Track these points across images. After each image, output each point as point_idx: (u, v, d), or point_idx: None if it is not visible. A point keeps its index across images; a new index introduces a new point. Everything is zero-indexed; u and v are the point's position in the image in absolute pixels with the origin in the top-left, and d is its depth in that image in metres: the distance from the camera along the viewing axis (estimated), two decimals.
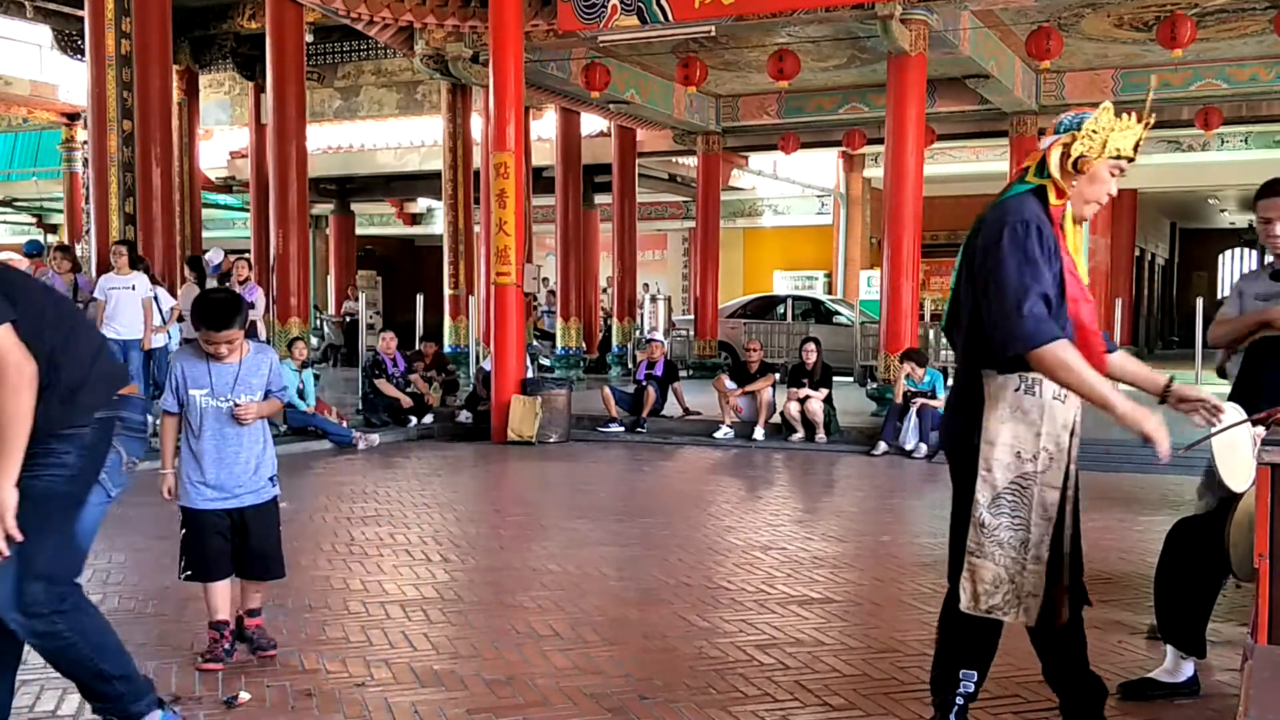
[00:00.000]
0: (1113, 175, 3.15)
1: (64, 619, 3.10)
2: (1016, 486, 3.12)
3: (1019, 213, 3.08)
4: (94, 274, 11.59)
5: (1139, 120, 3.13)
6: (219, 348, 4.20)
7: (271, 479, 4.39)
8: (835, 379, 12.02)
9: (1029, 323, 2.96)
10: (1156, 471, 7.77)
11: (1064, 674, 3.38)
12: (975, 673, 3.34)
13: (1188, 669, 3.99)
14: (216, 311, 4.16)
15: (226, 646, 4.31)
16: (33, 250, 13.89)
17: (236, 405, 4.24)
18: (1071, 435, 3.19)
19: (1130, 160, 3.17)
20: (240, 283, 12.25)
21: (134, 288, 10.77)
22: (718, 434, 11.87)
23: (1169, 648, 3.99)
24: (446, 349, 15.92)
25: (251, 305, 12.15)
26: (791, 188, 25.23)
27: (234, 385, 4.25)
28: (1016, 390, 3.13)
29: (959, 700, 3.35)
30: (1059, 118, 3.23)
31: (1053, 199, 3.14)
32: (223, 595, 4.36)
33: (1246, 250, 31.60)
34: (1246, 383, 3.94)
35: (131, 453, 3.28)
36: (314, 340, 19.40)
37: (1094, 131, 3.10)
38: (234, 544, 4.33)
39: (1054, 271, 3.04)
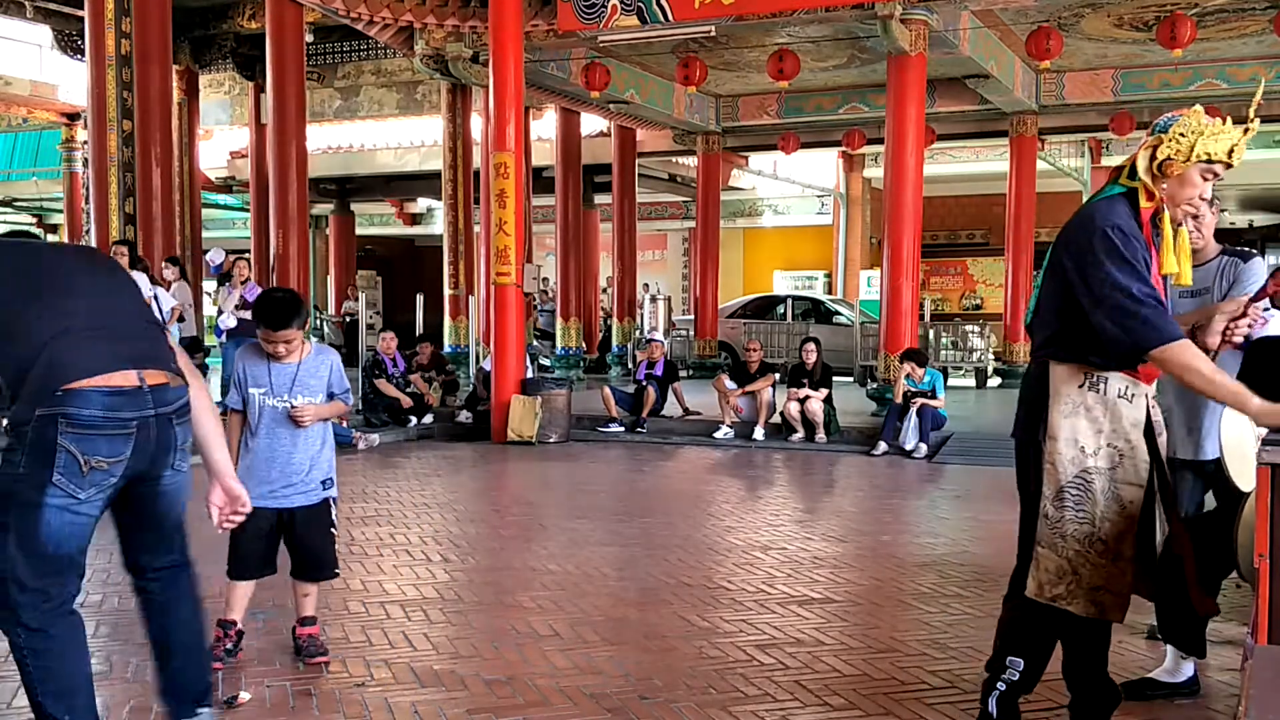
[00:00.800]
0: (1205, 179, 3.13)
1: (28, 638, 3.00)
2: (1080, 481, 3.13)
3: (1107, 217, 3.09)
4: None
5: (1237, 123, 3.10)
6: (277, 347, 4.20)
7: (325, 482, 4.35)
8: (835, 379, 12.03)
9: (1150, 323, 2.98)
10: None
11: (1083, 674, 3.39)
12: (1023, 661, 3.34)
13: (1188, 669, 4.00)
14: (275, 311, 4.17)
15: (229, 646, 4.30)
16: None
17: (293, 407, 4.23)
18: (1149, 433, 3.19)
19: (1227, 165, 3.14)
20: (241, 282, 12.24)
21: None
22: (718, 434, 11.87)
23: (1169, 648, 4.01)
24: (446, 349, 15.92)
25: (251, 305, 12.19)
26: (791, 188, 25.23)
27: (291, 386, 4.25)
28: (1081, 386, 3.14)
29: (1000, 686, 3.36)
30: (1158, 118, 3.20)
31: (1143, 202, 3.14)
32: (241, 596, 4.36)
33: (1237, 247, 31.56)
34: (1251, 384, 3.91)
35: (90, 452, 2.95)
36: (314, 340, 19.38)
37: (1181, 135, 3.09)
38: (285, 543, 4.33)
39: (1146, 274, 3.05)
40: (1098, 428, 3.13)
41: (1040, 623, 3.29)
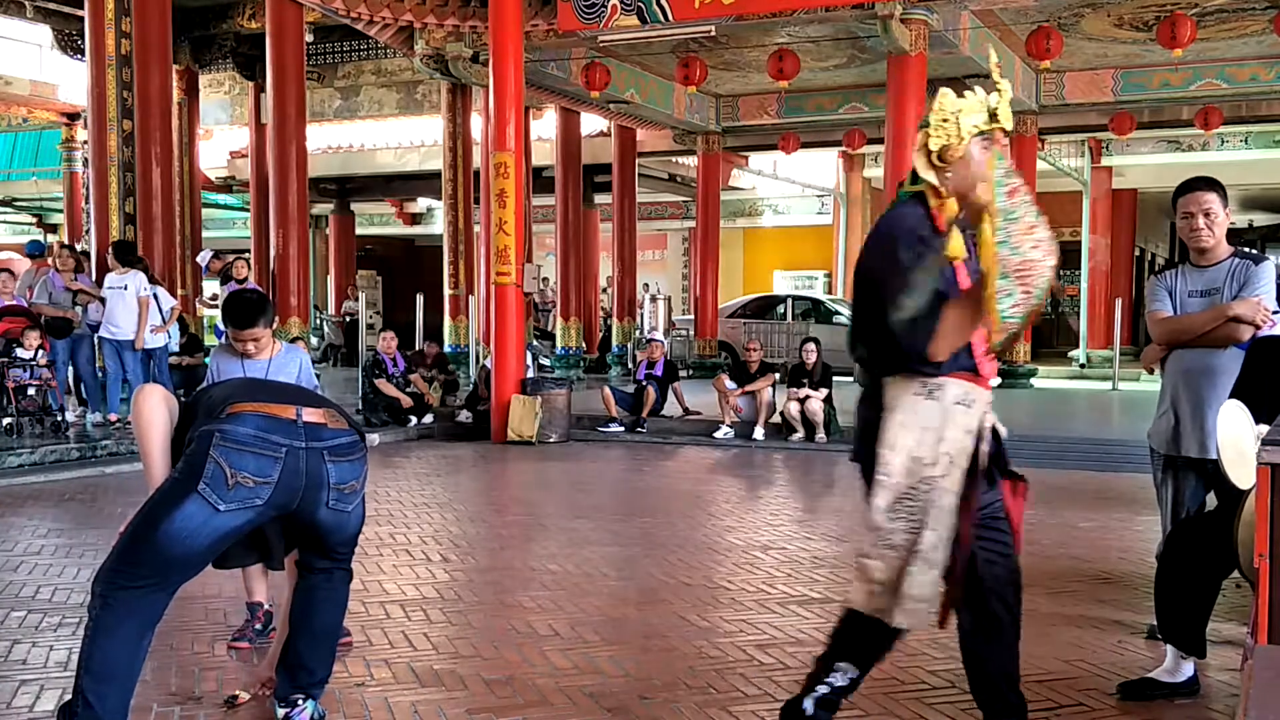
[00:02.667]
0: (986, 150, 3.05)
1: (99, 603, 3.21)
2: (915, 491, 3.07)
3: (889, 224, 3.09)
4: (94, 274, 11.59)
5: (991, 90, 3.07)
6: (246, 345, 4.33)
7: None
8: (835, 379, 12.02)
9: (909, 334, 2.95)
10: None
11: (986, 689, 3.30)
12: (856, 670, 3.29)
13: (1188, 669, 3.99)
14: (242, 310, 4.33)
15: (258, 627, 4.51)
16: (35, 250, 13.88)
17: None
18: (979, 440, 3.13)
19: (1004, 131, 3.07)
20: (239, 282, 12.25)
21: (126, 287, 10.74)
22: (718, 434, 11.87)
23: (1169, 647, 3.99)
24: (446, 349, 15.92)
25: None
26: (791, 188, 25.23)
27: None
28: (917, 396, 3.08)
29: (824, 689, 3.29)
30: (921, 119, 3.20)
31: (932, 202, 3.10)
32: (252, 577, 4.53)
33: (1247, 250, 31.58)
34: (1253, 383, 3.91)
35: (239, 467, 3.20)
36: (314, 340, 19.42)
37: (944, 120, 3.05)
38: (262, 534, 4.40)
39: (939, 275, 2.99)
40: (937, 436, 3.07)
41: (875, 633, 3.23)
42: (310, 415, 3.35)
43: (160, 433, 3.41)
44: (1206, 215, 4.12)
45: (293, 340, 12.00)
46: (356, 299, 19.07)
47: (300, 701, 3.54)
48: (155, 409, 3.43)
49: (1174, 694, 3.97)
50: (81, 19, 12.50)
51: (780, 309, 20.18)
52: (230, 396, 3.37)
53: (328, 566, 3.58)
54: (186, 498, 3.17)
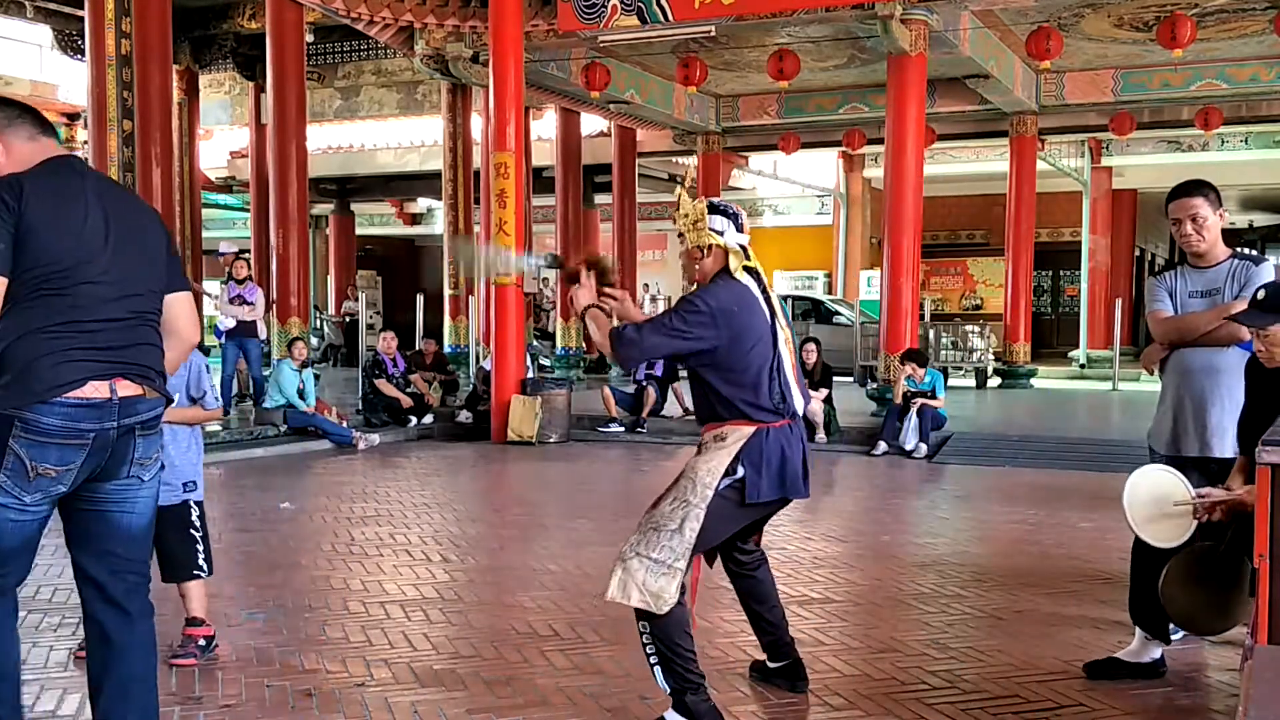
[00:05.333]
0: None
1: None
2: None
3: None
4: None
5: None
6: None
7: (187, 484, 4.37)
8: (835, 379, 12.02)
9: None
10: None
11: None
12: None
13: (1154, 652, 4.12)
14: None
15: (201, 643, 4.36)
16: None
17: None
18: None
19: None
20: (239, 281, 12.26)
21: None
22: None
23: (1137, 630, 4.14)
24: (446, 349, 15.92)
25: (251, 305, 12.20)
26: (791, 188, 25.22)
27: None
28: None
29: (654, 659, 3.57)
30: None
31: None
32: (187, 594, 4.42)
33: (1246, 251, 31.62)
34: (1259, 398, 3.86)
35: (39, 459, 2.84)
36: (314, 340, 19.41)
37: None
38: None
39: None
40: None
41: None
42: (126, 389, 2.95)
43: None
44: (1194, 221, 4.15)
45: (292, 341, 12.02)
46: (356, 299, 19.08)
47: None
48: None
49: (1137, 675, 4.09)
50: (81, 19, 12.51)
51: None
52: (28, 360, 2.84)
53: (118, 597, 3.11)
54: None
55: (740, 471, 3.53)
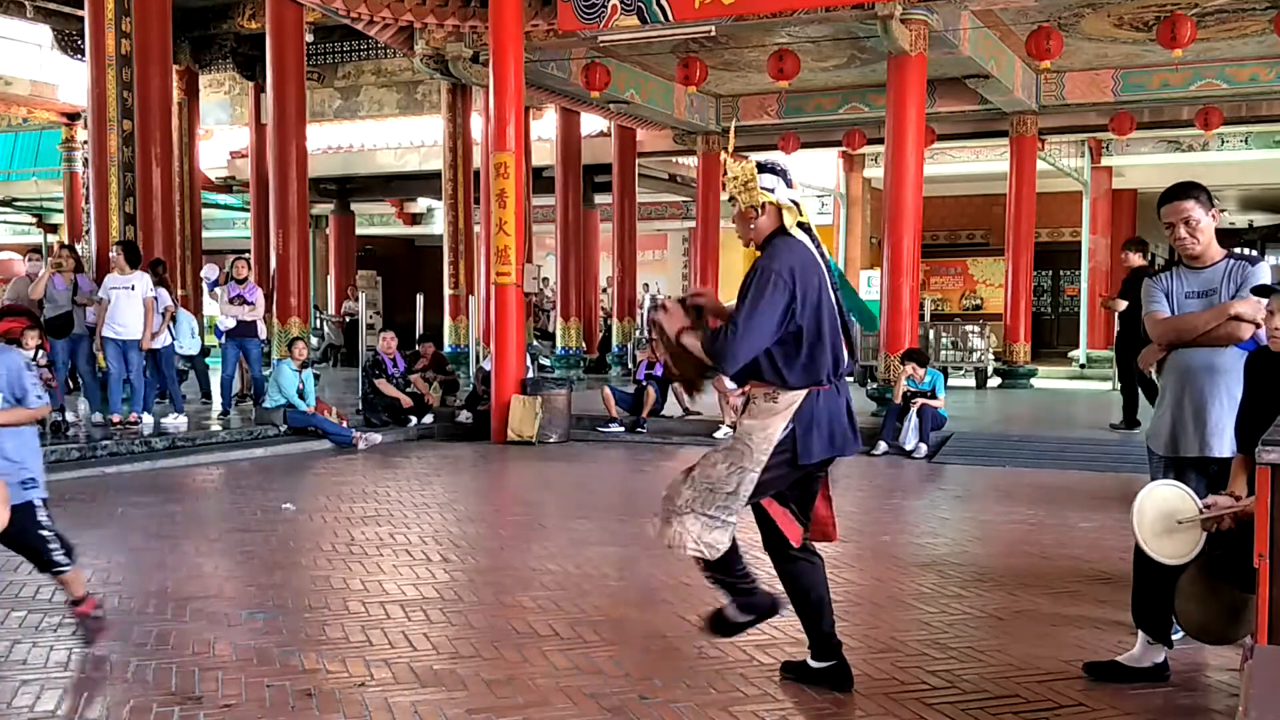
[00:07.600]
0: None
1: None
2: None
3: None
4: (94, 274, 11.58)
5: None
6: None
7: (26, 482, 4.35)
8: None
9: None
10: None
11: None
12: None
13: (1156, 656, 4.09)
14: None
15: (93, 615, 4.54)
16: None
17: None
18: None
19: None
20: (239, 281, 12.25)
21: (133, 288, 10.75)
22: (718, 434, 11.85)
23: (1139, 634, 4.11)
24: (446, 349, 15.92)
25: (251, 304, 12.20)
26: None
27: None
28: None
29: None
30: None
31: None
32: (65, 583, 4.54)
33: (1247, 251, 31.63)
34: (1257, 397, 3.87)
35: None
36: (314, 340, 19.40)
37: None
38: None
39: None
40: None
41: None
42: None
43: None
44: (1187, 224, 4.16)
45: (292, 341, 12.02)
46: (356, 299, 19.07)
47: None
48: None
49: (1139, 679, 4.06)
50: (81, 19, 12.50)
51: None
52: None
53: None
54: None
55: (792, 433, 3.69)
